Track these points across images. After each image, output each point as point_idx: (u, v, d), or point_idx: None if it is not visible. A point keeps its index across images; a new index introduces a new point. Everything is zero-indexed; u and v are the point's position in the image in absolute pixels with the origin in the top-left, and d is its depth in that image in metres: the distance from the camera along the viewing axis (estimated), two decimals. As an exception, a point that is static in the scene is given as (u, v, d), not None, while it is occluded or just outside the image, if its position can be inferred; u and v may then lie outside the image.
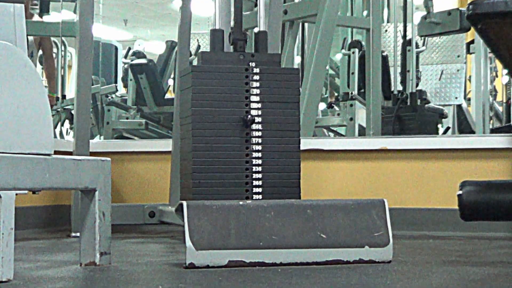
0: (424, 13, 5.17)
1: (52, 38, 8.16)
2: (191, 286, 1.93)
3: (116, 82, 9.61)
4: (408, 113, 5.44)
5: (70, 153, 3.52)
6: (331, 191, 3.77)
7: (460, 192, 2.45)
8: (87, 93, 3.62)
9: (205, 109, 2.74)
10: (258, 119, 2.76)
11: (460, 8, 4.76)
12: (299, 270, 2.16)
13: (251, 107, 2.76)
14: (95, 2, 3.71)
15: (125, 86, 8.88)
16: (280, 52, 3.20)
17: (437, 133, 5.49)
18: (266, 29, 2.97)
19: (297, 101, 2.84)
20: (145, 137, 7.30)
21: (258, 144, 2.69)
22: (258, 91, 2.78)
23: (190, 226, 2.23)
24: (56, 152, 2.09)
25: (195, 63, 6.05)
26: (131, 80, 8.11)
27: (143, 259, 2.56)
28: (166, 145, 3.96)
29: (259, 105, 2.78)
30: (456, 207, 2.47)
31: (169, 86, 8.73)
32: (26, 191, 2.48)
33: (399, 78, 6.26)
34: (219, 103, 2.73)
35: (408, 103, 5.60)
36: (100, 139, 7.32)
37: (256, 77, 2.78)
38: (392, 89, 6.04)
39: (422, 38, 7.77)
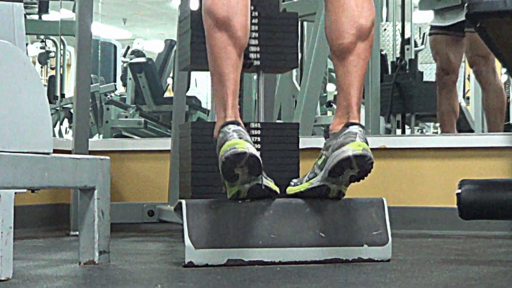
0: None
1: (52, 37, 8.18)
2: (190, 285, 1.93)
3: (115, 81, 9.62)
4: (407, 80, 5.43)
5: (69, 152, 3.52)
6: (330, 189, 3.77)
7: (459, 190, 2.45)
8: (86, 92, 3.62)
9: (203, 52, 2.74)
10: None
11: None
12: (298, 269, 2.16)
13: (250, 50, 2.74)
14: (94, 1, 3.71)
15: (124, 85, 8.89)
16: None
17: (435, 103, 5.47)
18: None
19: (295, 45, 2.83)
20: (144, 135, 7.31)
21: (257, 143, 2.69)
22: (256, 34, 2.77)
23: (189, 224, 2.23)
24: (55, 151, 2.09)
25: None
26: (130, 79, 8.12)
27: (142, 258, 2.56)
28: (165, 143, 3.96)
29: (258, 49, 2.76)
30: (455, 205, 2.47)
31: (168, 84, 8.74)
32: (25, 190, 2.48)
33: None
34: None
35: (407, 71, 5.58)
36: (99, 137, 7.33)
37: (255, 21, 2.76)
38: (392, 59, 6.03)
39: (421, 36, 7.77)
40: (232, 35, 2.23)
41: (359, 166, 2.19)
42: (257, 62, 2.75)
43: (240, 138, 2.14)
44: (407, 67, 5.59)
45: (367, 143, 2.20)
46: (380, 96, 5.05)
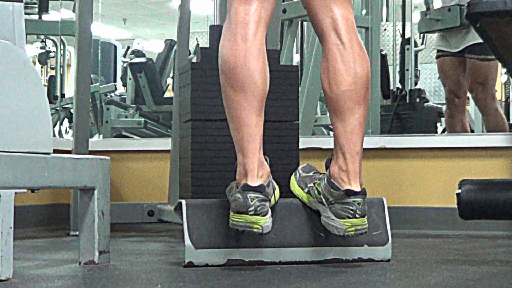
0: (424, 10, 5.17)
1: (52, 37, 8.17)
2: (190, 285, 1.93)
3: (115, 81, 9.61)
4: (407, 111, 5.44)
5: (69, 152, 3.52)
6: (330, 189, 3.77)
7: (459, 190, 2.45)
8: (86, 92, 3.62)
9: (204, 107, 2.74)
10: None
11: (459, 4, 4.77)
12: (298, 269, 2.16)
13: None
14: (94, 1, 3.71)
15: (124, 85, 8.88)
16: (279, 49, 3.19)
17: (436, 132, 5.48)
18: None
19: (296, 98, 2.83)
20: (144, 135, 7.30)
21: (257, 143, 2.68)
22: None
23: (189, 224, 2.23)
24: (55, 151, 2.09)
25: (194, 61, 6.06)
26: (130, 79, 8.11)
27: (142, 258, 2.56)
28: (165, 143, 3.96)
29: None
30: (455, 205, 2.47)
31: (168, 84, 8.73)
32: (25, 190, 2.49)
33: (398, 77, 6.26)
34: (218, 100, 2.71)
35: (407, 101, 5.59)
36: (99, 138, 7.32)
37: None
38: (391, 87, 6.04)
39: (421, 36, 7.78)
40: (249, 87, 2.17)
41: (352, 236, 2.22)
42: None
43: (259, 214, 2.12)
44: (407, 97, 5.61)
45: (364, 214, 2.19)
46: (380, 125, 5.06)
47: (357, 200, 2.18)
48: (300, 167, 2.42)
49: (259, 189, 2.13)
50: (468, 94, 5.01)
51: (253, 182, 2.14)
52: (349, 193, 2.19)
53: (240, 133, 2.18)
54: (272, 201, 2.24)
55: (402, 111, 5.44)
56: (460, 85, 4.85)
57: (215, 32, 2.84)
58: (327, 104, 2.32)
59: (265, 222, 2.13)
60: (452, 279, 1.99)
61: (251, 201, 2.12)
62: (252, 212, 2.11)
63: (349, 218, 2.18)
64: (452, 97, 4.87)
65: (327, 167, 2.26)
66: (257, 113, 2.19)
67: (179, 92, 2.96)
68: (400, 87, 5.87)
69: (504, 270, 2.20)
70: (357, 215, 2.18)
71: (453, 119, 4.88)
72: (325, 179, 2.24)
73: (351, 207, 2.18)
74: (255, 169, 2.16)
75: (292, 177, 2.39)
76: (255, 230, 2.11)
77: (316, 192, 2.28)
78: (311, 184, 2.31)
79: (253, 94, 2.17)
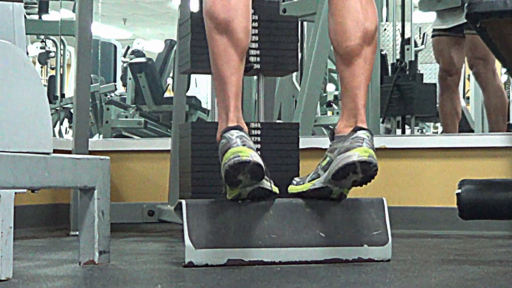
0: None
1: (52, 37, 8.18)
2: (190, 285, 1.93)
3: (115, 81, 9.62)
4: (407, 82, 5.43)
5: (69, 152, 3.52)
6: (330, 189, 3.77)
7: (459, 190, 2.45)
8: (86, 92, 3.62)
9: (204, 55, 2.73)
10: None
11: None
12: (298, 269, 2.16)
13: (250, 53, 2.74)
14: (94, 1, 3.71)
15: (124, 85, 8.89)
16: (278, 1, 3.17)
17: (435, 105, 5.44)
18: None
19: (295, 48, 2.83)
20: (144, 135, 7.31)
21: (257, 142, 2.68)
22: (256, 38, 2.76)
23: (189, 224, 2.23)
24: (55, 151, 2.09)
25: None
26: (130, 79, 8.12)
27: (142, 258, 2.56)
28: (165, 143, 3.96)
29: (257, 52, 2.76)
30: (455, 205, 2.47)
31: (168, 84, 8.73)
32: (25, 190, 2.49)
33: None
34: None
35: (407, 72, 5.58)
36: (99, 137, 7.32)
37: (255, 24, 2.76)
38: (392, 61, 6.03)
39: (421, 36, 7.77)
40: (233, 38, 2.22)
41: (363, 172, 2.19)
42: (257, 66, 2.74)
43: (244, 145, 2.14)
44: (407, 68, 5.59)
45: (374, 150, 2.19)
46: (380, 97, 5.05)
47: (365, 133, 2.20)
48: (295, 178, 2.44)
49: (239, 127, 2.18)
50: (468, 94, 5.01)
51: (233, 124, 2.19)
52: (357, 128, 2.21)
53: (224, 91, 2.24)
54: (272, 186, 2.26)
55: (402, 82, 5.43)
56: (453, 64, 4.85)
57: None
58: (335, 57, 2.34)
59: (253, 152, 2.13)
60: (452, 279, 1.99)
61: (233, 136, 2.15)
62: (235, 144, 2.13)
63: (360, 146, 2.17)
64: (445, 75, 4.87)
65: (331, 139, 2.29)
66: (239, 68, 2.24)
67: (179, 44, 2.94)
68: (400, 58, 5.85)
69: (504, 270, 2.20)
70: (367, 145, 2.17)
71: (444, 97, 4.88)
72: (330, 144, 2.27)
73: (361, 137, 2.18)
74: (235, 120, 2.21)
75: (290, 186, 2.40)
76: (244, 158, 2.11)
77: (321, 163, 2.29)
78: (312, 172, 2.33)
79: (236, 49, 2.23)
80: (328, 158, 2.27)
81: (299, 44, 5.90)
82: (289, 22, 2.83)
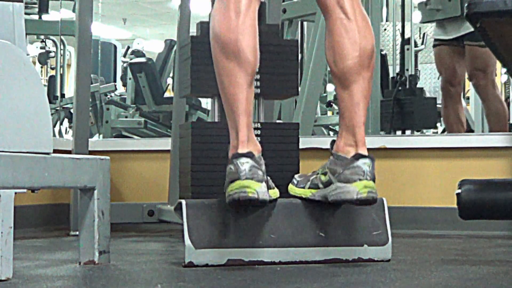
0: (424, 1, 5.15)
1: (52, 37, 8.17)
2: (190, 285, 1.93)
3: (115, 81, 9.62)
4: (407, 97, 5.44)
5: (69, 152, 3.52)
6: (330, 189, 3.77)
7: (459, 190, 2.45)
8: (86, 92, 3.62)
9: (204, 80, 2.72)
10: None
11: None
12: (298, 269, 2.16)
13: None
14: (94, 1, 3.71)
15: (124, 85, 8.88)
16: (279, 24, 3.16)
17: (436, 119, 5.45)
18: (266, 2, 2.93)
19: (295, 72, 2.83)
20: (144, 135, 7.30)
21: (257, 142, 2.68)
22: None
23: (189, 224, 2.23)
24: (55, 151, 2.09)
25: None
26: (130, 79, 8.12)
27: (142, 258, 2.56)
28: (165, 143, 3.96)
29: (257, 76, 2.75)
30: (455, 205, 2.47)
31: (168, 84, 8.73)
32: (25, 190, 2.49)
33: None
34: None
35: (407, 86, 5.59)
36: (99, 137, 7.32)
37: None
38: (391, 75, 6.04)
39: (421, 36, 7.77)
40: (241, 59, 2.18)
41: (361, 205, 2.21)
42: (257, 90, 2.73)
43: (252, 178, 2.11)
44: (407, 83, 5.60)
45: (374, 179, 2.18)
46: (380, 111, 5.06)
47: (366, 162, 2.18)
48: (295, 175, 2.43)
49: (249, 154, 2.14)
50: (468, 94, 5.02)
51: (243, 150, 2.16)
52: (358, 156, 2.19)
53: (232, 109, 2.20)
54: (272, 194, 2.24)
55: (402, 96, 5.44)
56: (456, 74, 4.85)
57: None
58: (332, 78, 2.33)
59: (260, 187, 2.11)
60: (452, 279, 1.99)
61: (242, 166, 2.12)
62: (244, 177, 2.11)
63: (360, 180, 2.16)
64: (448, 86, 4.87)
65: (331, 153, 2.27)
66: (248, 87, 2.20)
67: (179, 68, 2.94)
68: (400, 71, 5.86)
69: (504, 270, 2.20)
70: (367, 177, 2.17)
71: (447, 108, 4.89)
72: (331, 158, 2.25)
73: (361, 169, 2.17)
74: (245, 140, 2.17)
75: (290, 185, 2.40)
76: (250, 194, 2.09)
77: (321, 176, 2.27)
78: (314, 176, 2.32)
79: (244, 70, 2.19)
80: (328, 177, 2.25)
81: (299, 44, 5.91)
82: (289, 46, 2.82)
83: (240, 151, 2.16)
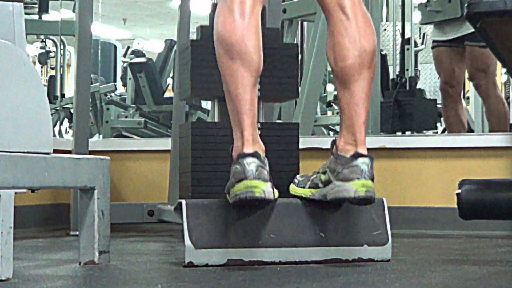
0: (424, 2, 5.16)
1: (52, 37, 8.17)
2: (190, 285, 1.93)
3: (115, 81, 9.61)
4: (407, 98, 5.44)
5: (69, 152, 3.52)
6: (330, 189, 3.77)
7: (459, 190, 2.45)
8: (86, 92, 3.62)
9: (204, 83, 2.72)
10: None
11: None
12: (298, 269, 2.16)
13: None
14: (94, 1, 3.72)
15: (124, 85, 8.89)
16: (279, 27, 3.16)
17: (436, 121, 5.45)
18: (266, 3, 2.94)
19: (295, 75, 2.83)
20: (144, 135, 7.30)
21: (257, 143, 2.68)
22: None
23: (189, 224, 2.23)
24: (55, 151, 2.09)
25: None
26: (130, 79, 8.12)
27: (142, 258, 2.56)
28: (165, 143, 3.96)
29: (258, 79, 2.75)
30: (455, 205, 2.47)
31: (168, 84, 8.73)
32: (25, 190, 2.49)
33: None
34: (218, 77, 2.69)
35: (407, 88, 5.59)
36: (99, 137, 7.32)
37: None
38: (391, 76, 6.04)
39: (421, 36, 7.77)
40: (245, 59, 2.19)
41: (359, 204, 2.22)
42: (257, 93, 2.73)
43: (259, 178, 2.12)
44: (407, 84, 5.60)
45: (373, 178, 2.19)
46: (381, 113, 5.06)
47: (365, 161, 2.19)
48: (297, 176, 2.43)
49: (255, 154, 2.15)
50: (468, 94, 5.02)
51: (249, 149, 2.16)
52: (357, 155, 2.19)
53: (237, 109, 2.20)
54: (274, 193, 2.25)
55: (402, 97, 5.44)
56: (454, 75, 4.85)
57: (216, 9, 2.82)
58: (333, 77, 2.33)
59: (266, 187, 2.12)
60: (452, 279, 1.99)
61: (249, 166, 2.12)
62: (251, 177, 2.11)
63: (358, 179, 2.17)
64: (447, 87, 4.87)
65: (332, 152, 2.27)
66: (253, 88, 2.21)
67: (179, 71, 2.94)
68: (400, 73, 5.86)
69: (504, 270, 2.20)
70: (366, 176, 2.17)
71: (447, 109, 4.89)
72: (331, 157, 2.26)
73: (360, 168, 2.17)
74: (251, 140, 2.18)
75: (291, 185, 2.40)
76: (257, 194, 2.10)
77: (320, 175, 2.28)
78: (314, 176, 2.32)
79: (249, 70, 2.20)
80: (327, 176, 2.25)
81: (299, 44, 5.91)
82: (289, 50, 2.83)
83: (246, 151, 2.16)
